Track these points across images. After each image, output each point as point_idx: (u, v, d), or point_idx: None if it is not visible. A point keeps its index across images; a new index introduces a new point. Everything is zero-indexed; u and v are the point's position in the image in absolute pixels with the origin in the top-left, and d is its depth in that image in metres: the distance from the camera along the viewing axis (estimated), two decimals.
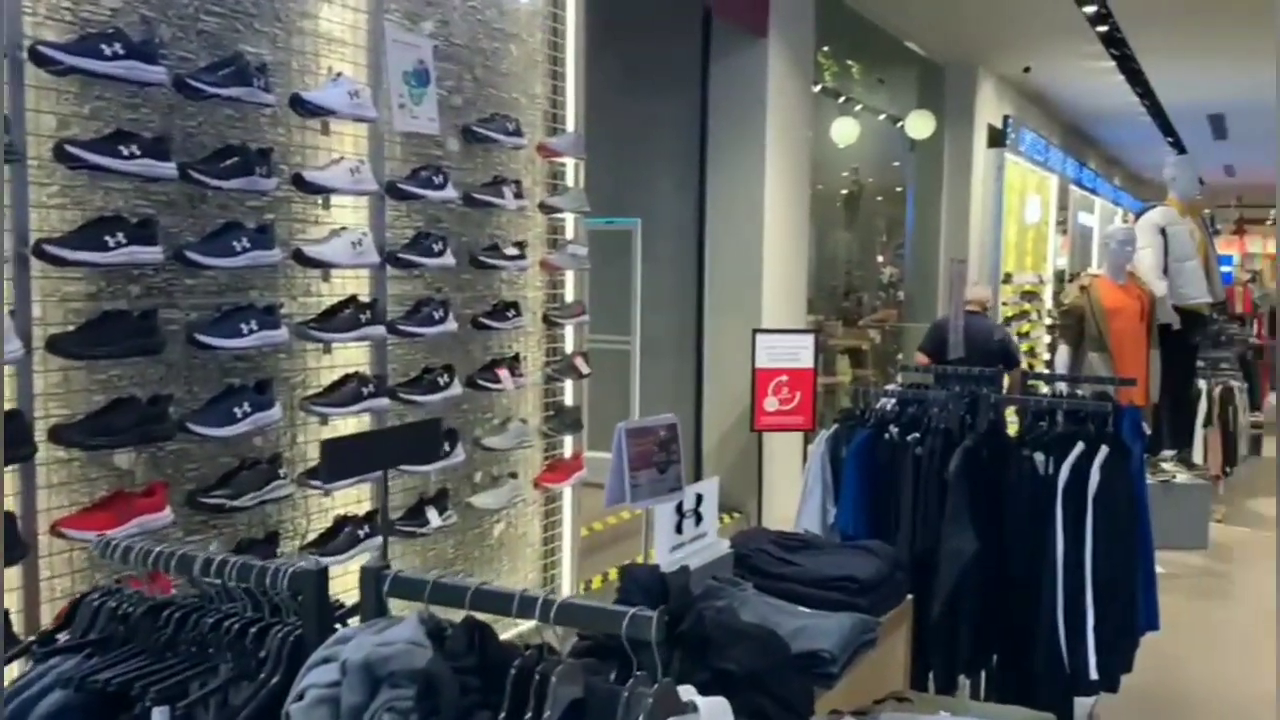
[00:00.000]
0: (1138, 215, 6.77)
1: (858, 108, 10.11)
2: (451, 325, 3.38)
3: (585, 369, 4.06)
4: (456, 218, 3.68)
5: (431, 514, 3.30)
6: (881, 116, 10.73)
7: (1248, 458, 10.09)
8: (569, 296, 4.17)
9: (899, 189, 11.81)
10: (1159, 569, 6.36)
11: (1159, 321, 6.30)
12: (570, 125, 4.15)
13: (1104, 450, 3.24)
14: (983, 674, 3.48)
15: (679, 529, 2.39)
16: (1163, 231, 6.41)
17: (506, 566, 4.04)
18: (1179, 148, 14.37)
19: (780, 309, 6.86)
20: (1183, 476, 6.91)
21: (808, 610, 2.30)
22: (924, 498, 3.34)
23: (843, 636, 2.13)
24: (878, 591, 2.48)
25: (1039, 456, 3.30)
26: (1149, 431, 6.47)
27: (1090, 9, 7.90)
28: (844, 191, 12.34)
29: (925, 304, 10.49)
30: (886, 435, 3.50)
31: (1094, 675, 3.15)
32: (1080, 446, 3.27)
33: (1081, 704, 3.65)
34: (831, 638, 2.11)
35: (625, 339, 6.78)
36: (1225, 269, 27.57)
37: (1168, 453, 7.11)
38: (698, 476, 6.94)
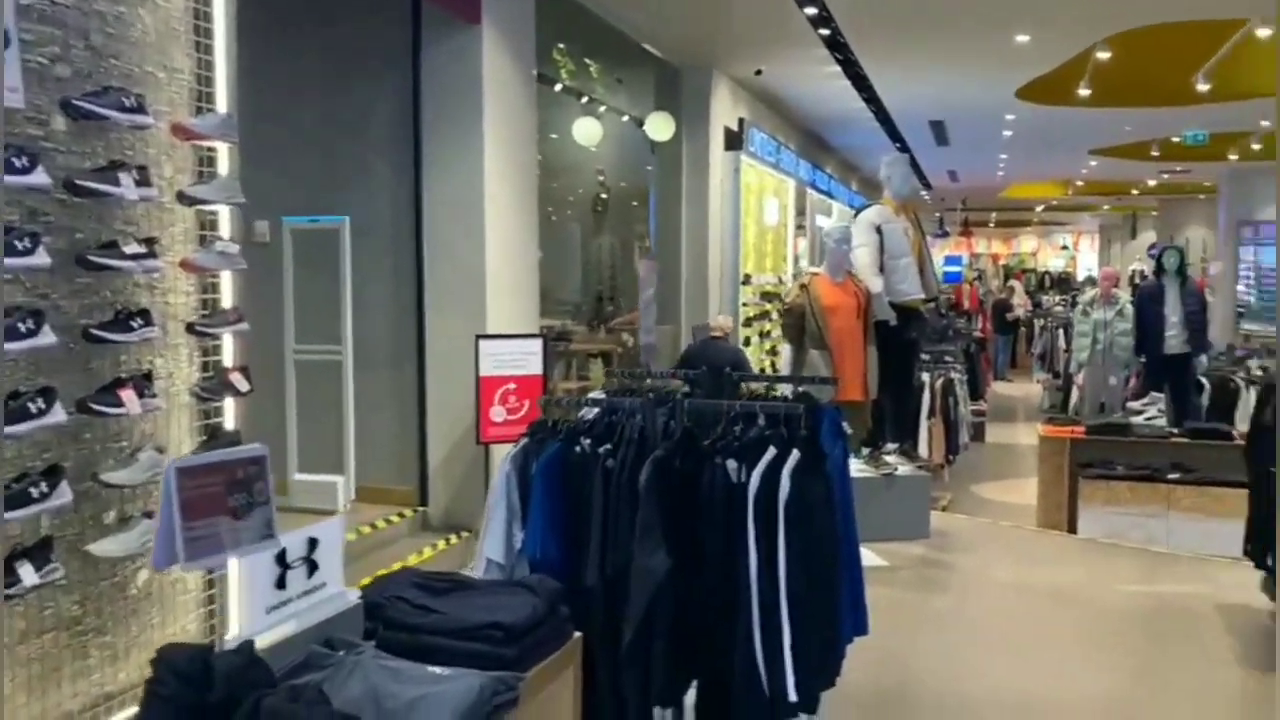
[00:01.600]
0: (855, 214, 6.86)
1: (600, 109, 9.92)
2: (46, 339, 2.79)
3: (244, 385, 3.54)
4: (70, 210, 3.08)
5: (25, 571, 2.71)
6: (624, 118, 10.61)
7: (970, 445, 10.63)
8: (226, 302, 3.63)
9: (648, 191, 11.77)
10: (881, 562, 6.50)
11: (876, 318, 6.38)
12: (221, 105, 3.61)
13: (795, 455, 3.06)
14: (686, 704, 3.23)
15: (281, 583, 1.96)
16: (878, 229, 6.51)
17: (156, 619, 3.45)
18: (906, 152, 15.12)
19: (509, 312, 6.50)
20: (904, 469, 7.06)
21: (439, 672, 1.93)
22: (614, 514, 3.06)
23: (464, 705, 1.77)
24: (531, 636, 2.15)
25: (731, 464, 3.08)
26: (870, 426, 6.57)
27: (811, 11, 8.01)
28: (597, 194, 12.18)
29: (672, 305, 10.43)
30: (578, 448, 3.19)
31: (793, 697, 2.95)
32: (771, 452, 3.07)
33: None
34: (448, 710, 1.75)
35: (336, 348, 6.23)
36: (954, 268, 29.59)
37: (890, 446, 7.26)
38: (424, 495, 6.48)
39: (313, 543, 2.07)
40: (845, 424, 3.72)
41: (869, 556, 6.41)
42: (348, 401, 6.21)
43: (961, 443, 9.79)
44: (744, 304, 10.79)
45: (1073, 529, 7.92)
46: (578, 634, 2.34)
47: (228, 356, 3.66)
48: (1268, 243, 18.85)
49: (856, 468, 6.99)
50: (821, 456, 3.24)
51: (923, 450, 8.99)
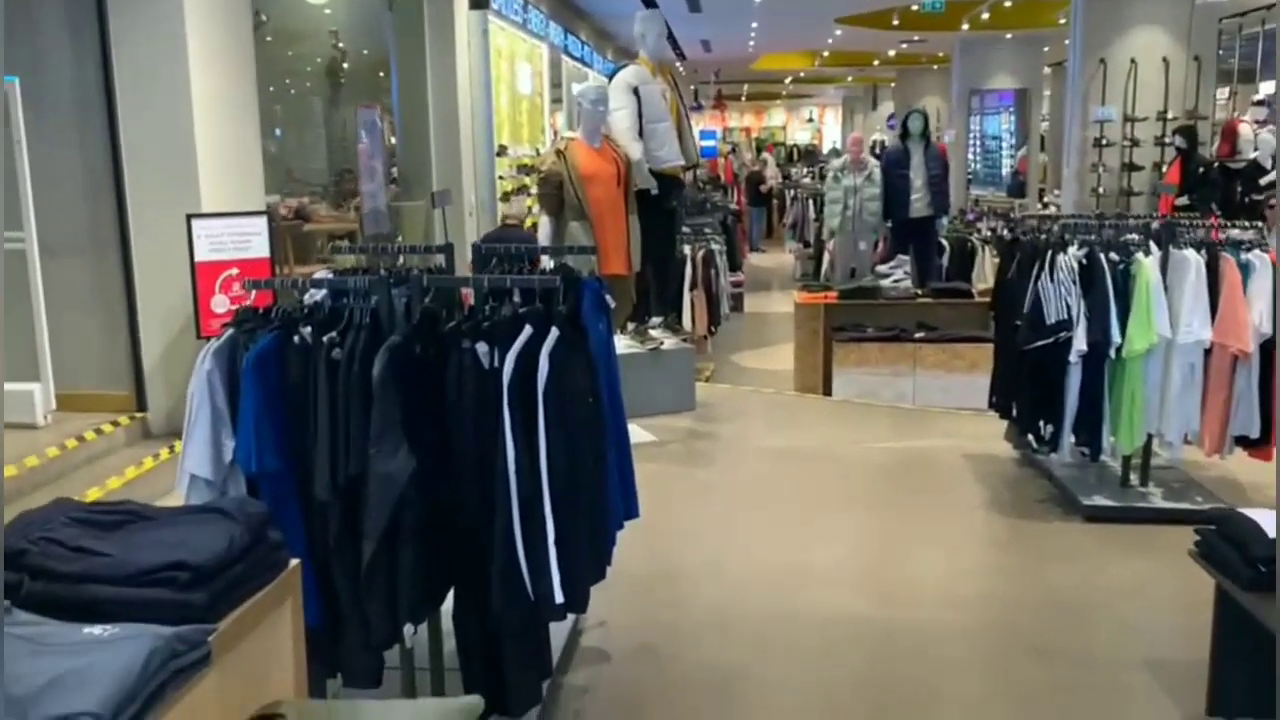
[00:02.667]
0: (610, 77, 6.46)
1: None
2: None
3: None
4: None
5: None
6: None
7: (730, 316, 10.71)
8: None
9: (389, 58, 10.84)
10: (649, 437, 6.37)
11: (636, 187, 6.07)
12: None
13: (553, 333, 2.72)
14: (443, 614, 2.91)
15: None
16: (635, 91, 6.15)
17: None
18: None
19: (227, 188, 5.72)
20: (669, 342, 6.92)
21: (98, 633, 1.48)
22: (344, 414, 2.62)
23: (119, 681, 1.35)
24: (228, 573, 1.72)
25: (482, 348, 2.70)
26: (635, 300, 6.33)
27: None
28: (334, 60, 11.11)
29: (420, 180, 9.75)
30: (297, 338, 2.71)
31: (559, 598, 2.68)
32: (527, 331, 2.71)
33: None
34: (96, 689, 1.32)
35: (17, 235, 5.30)
36: (709, 142, 29.77)
37: (655, 320, 7.09)
38: (140, 399, 5.73)
39: None
40: (609, 297, 3.41)
41: (637, 433, 6.25)
42: (37, 295, 5.32)
43: (723, 314, 9.82)
44: (500, 177, 10.24)
45: (829, 391, 8.12)
46: (295, 561, 1.93)
47: None
48: (991, 112, 20.03)
49: (624, 343, 6.79)
50: (583, 334, 2.92)
51: (686, 322, 8.94)
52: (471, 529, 2.72)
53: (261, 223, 5.51)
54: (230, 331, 2.77)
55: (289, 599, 1.92)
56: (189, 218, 5.26)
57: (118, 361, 5.67)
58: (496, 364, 2.68)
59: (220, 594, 1.70)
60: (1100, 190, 11.31)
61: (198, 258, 5.27)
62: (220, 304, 5.37)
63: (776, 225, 20.51)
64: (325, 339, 2.68)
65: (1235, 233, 4.85)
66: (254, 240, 5.44)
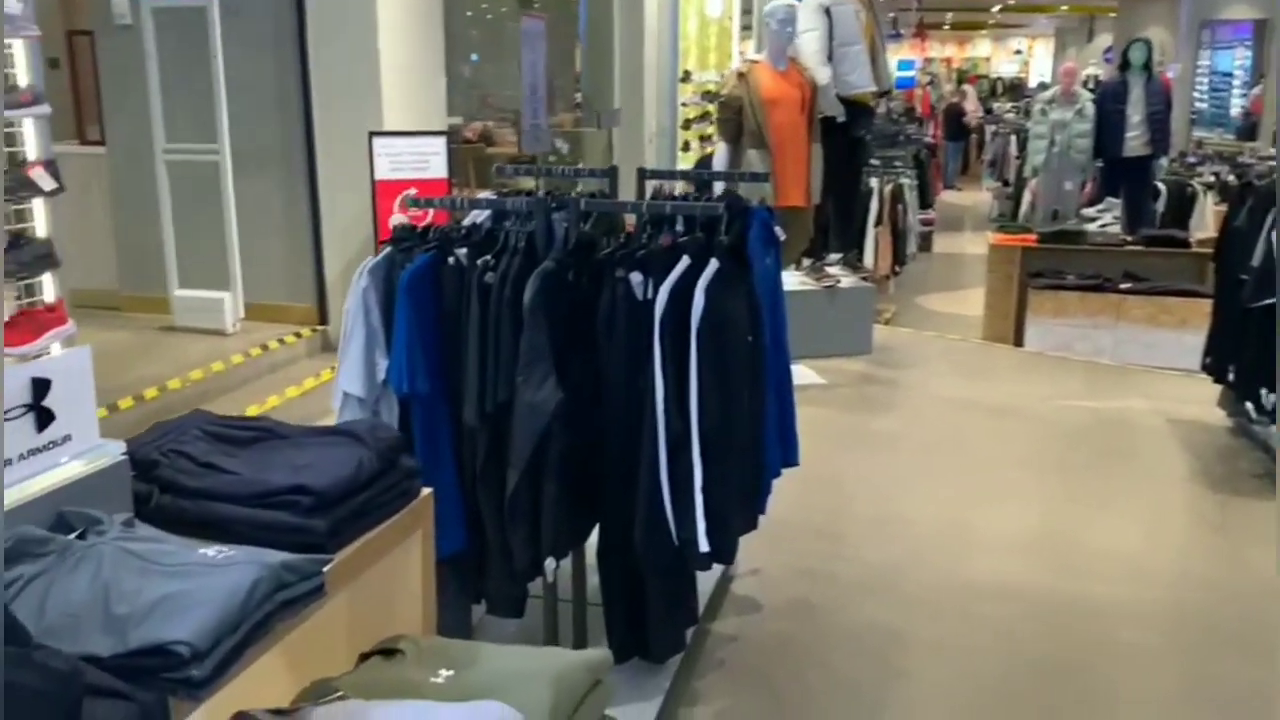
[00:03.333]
0: None
1: None
2: None
3: (49, 183, 2.89)
4: None
5: None
6: None
7: (917, 256, 10.22)
8: (21, 80, 2.93)
9: None
10: (819, 380, 6.12)
11: (822, 114, 5.75)
12: None
13: (713, 265, 2.53)
14: (588, 551, 2.82)
15: None
16: (827, 11, 5.80)
17: None
18: None
19: (410, 106, 5.76)
20: (847, 280, 6.61)
21: (212, 555, 1.43)
22: (495, 339, 2.54)
23: (220, 609, 1.28)
24: (352, 501, 1.65)
25: (636, 278, 2.55)
26: (813, 234, 6.05)
27: None
28: None
29: (603, 105, 9.64)
30: (452, 259, 2.63)
31: (704, 547, 2.53)
32: (685, 262, 2.54)
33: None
34: (195, 616, 1.26)
35: (212, 148, 5.50)
36: (907, 73, 28.63)
37: (834, 256, 6.78)
38: (323, 312, 5.91)
39: (40, 385, 1.53)
40: (779, 229, 3.19)
41: (806, 374, 6.03)
42: (229, 208, 5.53)
43: (909, 253, 9.36)
44: (683, 104, 10.01)
45: (1019, 342, 7.61)
46: (427, 490, 1.85)
47: (29, 148, 3.00)
48: (1223, 46, 18.17)
49: (797, 280, 6.54)
50: (746, 267, 2.73)
51: (868, 260, 8.55)
52: (618, 467, 2.60)
53: (440, 143, 5.52)
54: (387, 250, 2.72)
55: (419, 530, 1.84)
56: (371, 135, 5.31)
57: (303, 275, 5.85)
58: (650, 295, 2.52)
59: (343, 521, 1.63)
60: None
61: (377, 176, 5.33)
62: (399, 222, 5.42)
63: (974, 162, 19.45)
64: (479, 262, 2.59)
65: None
66: (432, 160, 5.46)
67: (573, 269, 2.57)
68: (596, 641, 2.86)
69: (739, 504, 2.71)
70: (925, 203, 12.51)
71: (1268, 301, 4.16)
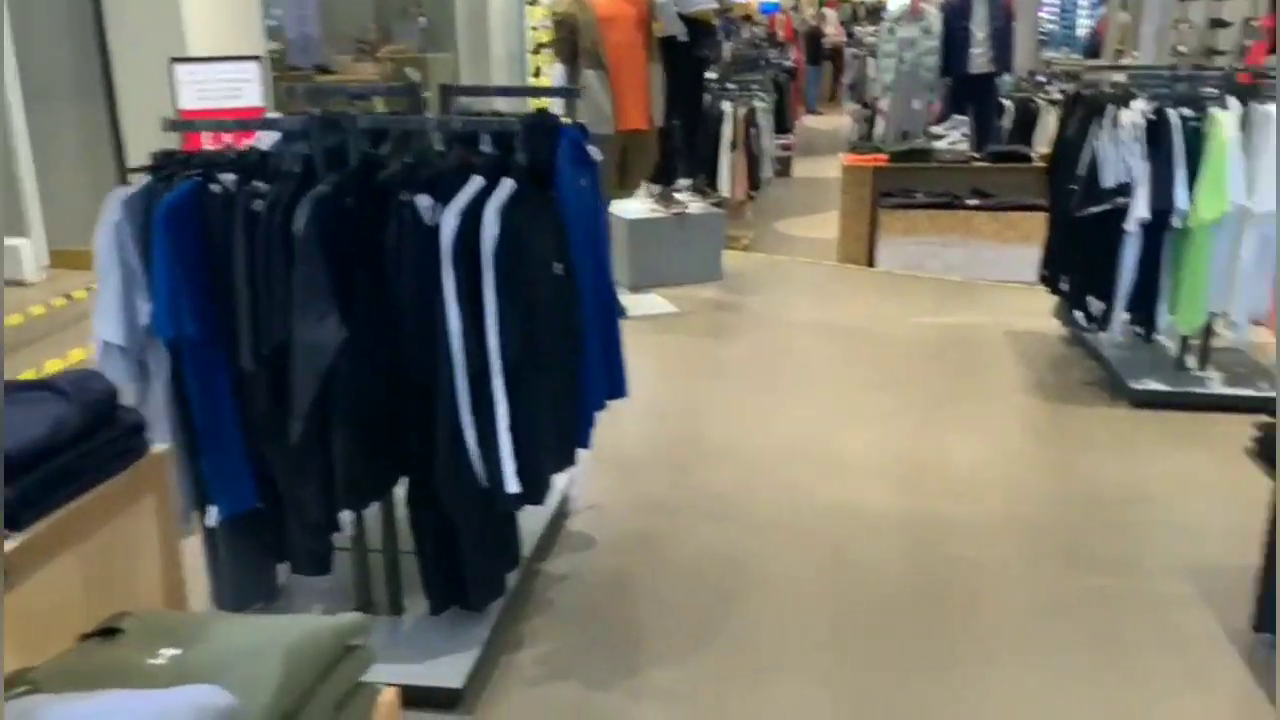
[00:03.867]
0: None
1: None
2: None
3: None
4: None
5: None
6: None
7: (774, 180, 10.18)
8: None
9: None
10: (671, 308, 6.02)
11: (663, 33, 5.55)
12: None
13: (507, 186, 2.35)
14: (396, 501, 2.64)
15: None
16: None
17: None
18: None
19: (222, 34, 5.33)
20: (696, 207, 6.48)
21: None
22: (264, 274, 2.31)
23: None
24: (46, 466, 1.43)
25: (424, 201, 2.34)
26: (658, 160, 5.88)
27: None
28: None
29: (446, 32, 9.24)
30: (217, 186, 2.38)
31: (513, 487, 2.38)
32: (476, 183, 2.34)
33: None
34: None
35: None
36: None
37: (683, 182, 6.64)
38: None
39: None
40: (594, 148, 3.00)
41: (658, 303, 5.92)
42: (21, 146, 5.05)
43: (764, 177, 9.27)
44: (533, 28, 9.67)
45: (873, 263, 7.65)
46: (158, 448, 1.64)
47: None
48: None
49: (646, 207, 6.38)
50: (546, 187, 2.54)
51: (723, 185, 8.45)
52: (419, 409, 2.42)
53: (253, 69, 5.12)
54: (145, 179, 2.44)
55: (150, 493, 1.63)
56: (171, 61, 4.89)
57: None
58: (440, 220, 2.32)
59: (39, 488, 1.42)
60: (1182, 49, 10.38)
61: (181, 105, 4.92)
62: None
63: (837, 85, 19.53)
64: (246, 188, 2.34)
65: None
66: (245, 89, 5.07)
67: (353, 194, 2.34)
68: (412, 593, 2.71)
69: (552, 442, 2.56)
70: (784, 127, 12.48)
71: (1094, 210, 4.20)
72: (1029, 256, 6.58)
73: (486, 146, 2.62)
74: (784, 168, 11.91)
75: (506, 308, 2.33)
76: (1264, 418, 2.75)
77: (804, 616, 2.94)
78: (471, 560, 2.59)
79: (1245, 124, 4.07)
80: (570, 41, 5.24)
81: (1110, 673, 2.66)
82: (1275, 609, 2.73)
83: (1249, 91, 4.20)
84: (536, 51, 9.59)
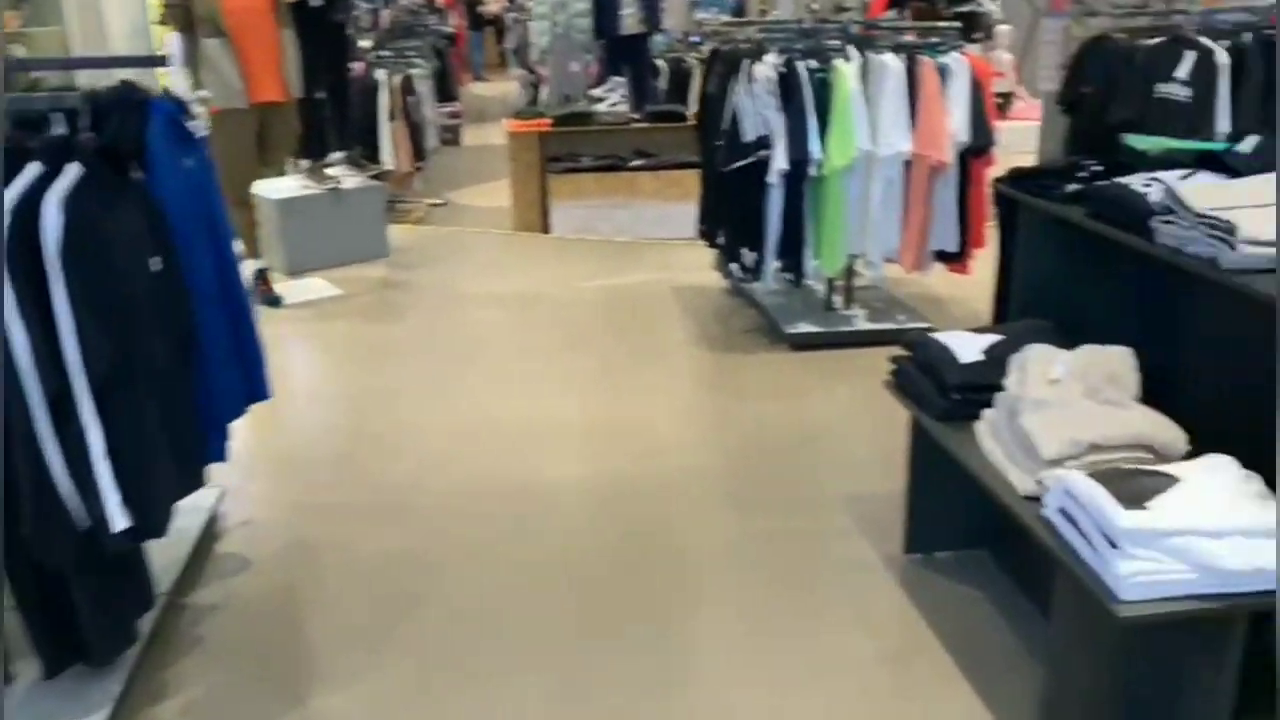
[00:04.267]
0: None
1: None
2: None
3: None
4: None
5: None
6: None
7: (441, 149, 9.89)
8: None
9: None
10: (334, 291, 5.67)
11: None
12: None
13: (72, 171, 2.00)
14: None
15: None
16: None
17: None
18: None
19: None
20: (351, 181, 6.13)
21: None
22: None
23: None
24: None
25: None
26: (302, 133, 5.47)
27: None
28: None
29: (52, 3, 8.17)
30: None
31: (120, 524, 2.05)
32: (32, 170, 1.98)
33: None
34: None
35: None
36: None
37: (336, 155, 6.25)
38: None
39: None
40: (197, 125, 2.66)
41: (320, 287, 5.56)
42: None
43: (430, 146, 8.97)
44: None
45: (547, 229, 7.60)
46: None
47: None
48: None
49: (298, 184, 5.95)
50: (123, 171, 2.20)
51: (385, 158, 8.07)
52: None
53: None
54: None
55: None
56: None
57: None
58: None
59: None
60: (815, 6, 11.08)
61: None
62: None
63: (503, 51, 19.35)
64: None
65: (934, 38, 4.58)
66: None
67: None
68: (22, 656, 2.31)
69: (168, 463, 2.24)
70: (449, 95, 12.18)
71: (738, 164, 4.31)
72: (691, 213, 6.77)
73: (62, 128, 2.24)
74: (454, 136, 11.63)
75: (85, 314, 1.99)
76: (899, 351, 2.90)
77: (493, 605, 2.81)
78: (87, 610, 2.24)
79: (864, 74, 4.31)
80: (183, 8, 4.72)
81: (785, 612, 2.73)
82: (918, 534, 2.91)
83: (866, 43, 4.46)
84: (163, 23, 8.69)
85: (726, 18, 18.55)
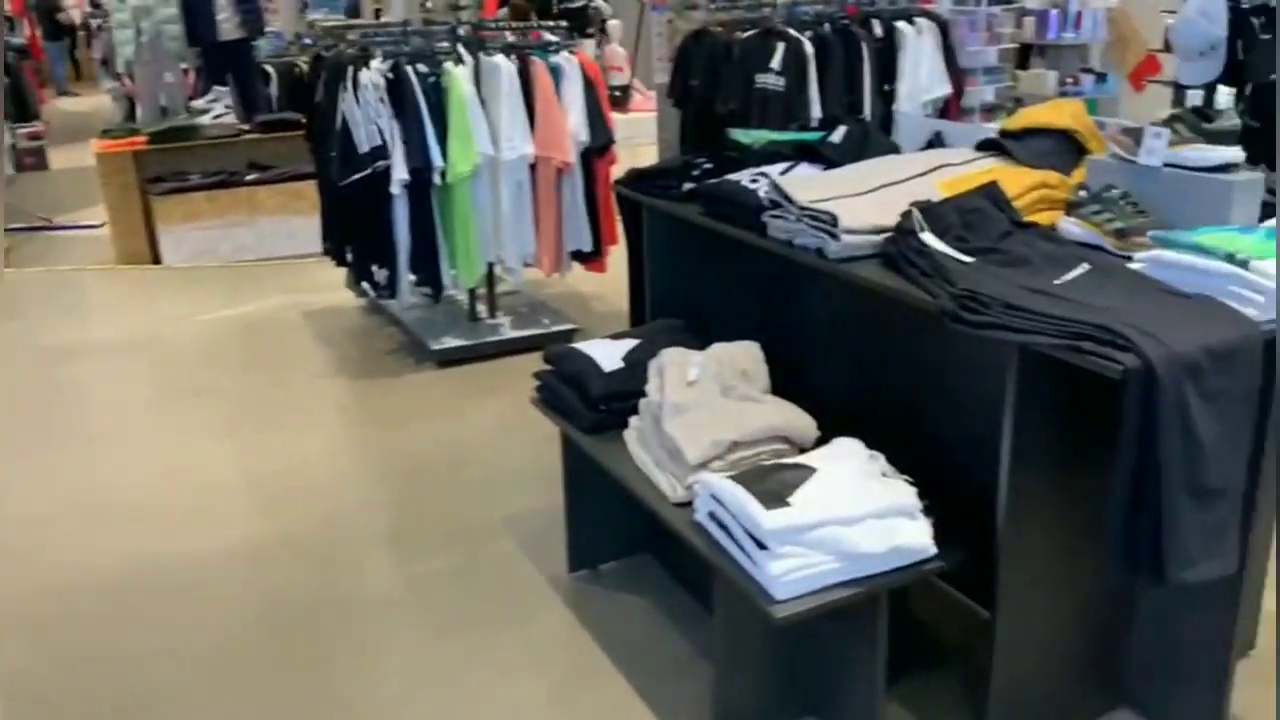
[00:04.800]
0: None
1: None
2: None
3: None
4: None
5: None
6: None
7: (18, 177, 8.69)
8: None
9: None
10: None
11: None
12: None
13: None
14: None
15: None
16: None
17: None
18: None
19: None
20: None
21: None
22: None
23: None
24: None
25: None
26: None
27: None
28: None
29: None
30: None
31: None
32: None
33: None
34: None
35: None
36: None
37: None
38: None
39: None
40: None
41: None
42: None
43: (7, 174, 7.83)
44: None
45: (158, 258, 6.85)
46: None
47: None
48: None
49: None
50: None
51: None
52: None
53: None
54: None
55: None
56: None
57: None
58: None
59: None
60: (430, 5, 10.86)
61: None
62: None
63: (85, 62, 17.46)
64: None
65: (546, 35, 4.54)
66: None
67: None
68: None
69: None
70: (27, 114, 10.79)
71: (356, 177, 4.05)
72: (319, 227, 6.38)
73: None
74: (39, 160, 10.30)
75: None
76: (544, 365, 2.80)
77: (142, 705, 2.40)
78: None
79: (478, 78, 4.18)
80: None
81: (451, 657, 2.55)
82: (580, 551, 2.84)
83: (479, 45, 4.33)
84: None
85: (340, 19, 17.90)
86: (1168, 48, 5.44)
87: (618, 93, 10.22)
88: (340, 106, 4.13)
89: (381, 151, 4.00)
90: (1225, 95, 4.01)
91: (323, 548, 3.09)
